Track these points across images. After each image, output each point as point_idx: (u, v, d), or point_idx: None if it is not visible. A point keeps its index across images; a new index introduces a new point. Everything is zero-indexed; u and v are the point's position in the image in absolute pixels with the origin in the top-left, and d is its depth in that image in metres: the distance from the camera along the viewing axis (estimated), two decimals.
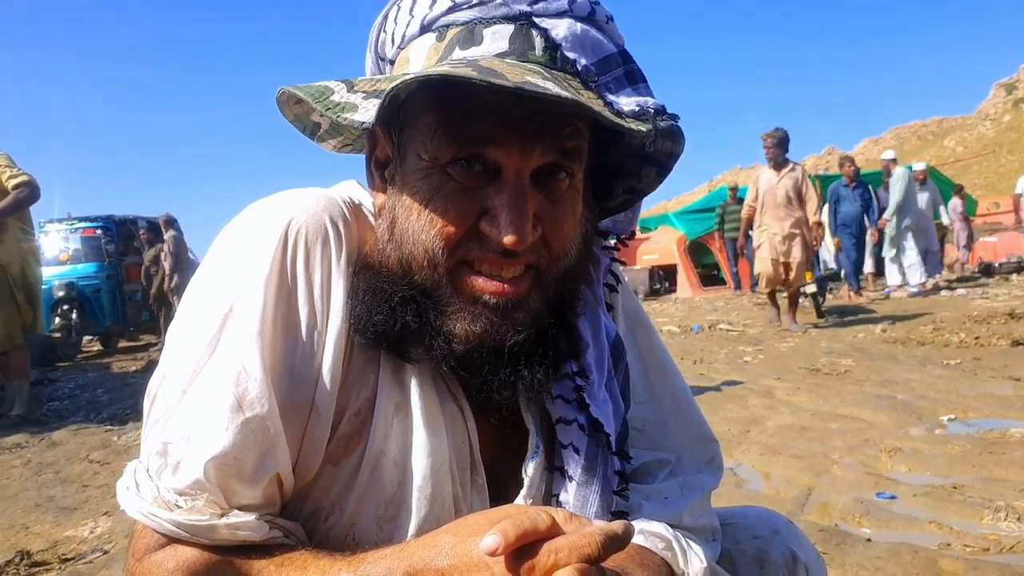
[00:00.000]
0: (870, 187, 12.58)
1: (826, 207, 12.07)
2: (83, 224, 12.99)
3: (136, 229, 13.45)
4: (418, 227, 0.87)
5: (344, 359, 0.89)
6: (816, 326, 8.99)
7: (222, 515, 0.82)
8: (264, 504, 0.86)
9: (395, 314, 0.87)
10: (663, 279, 16.83)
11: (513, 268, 0.87)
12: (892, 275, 12.25)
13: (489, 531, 0.70)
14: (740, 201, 13.99)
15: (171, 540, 0.84)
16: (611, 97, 0.86)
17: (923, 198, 12.81)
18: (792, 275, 8.62)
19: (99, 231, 12.80)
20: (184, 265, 11.24)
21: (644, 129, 0.83)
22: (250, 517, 0.83)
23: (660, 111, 0.88)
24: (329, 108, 0.85)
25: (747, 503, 2.54)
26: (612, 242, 1.11)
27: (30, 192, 5.61)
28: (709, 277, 16.71)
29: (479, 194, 0.85)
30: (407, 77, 0.78)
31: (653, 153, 0.97)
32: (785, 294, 9.02)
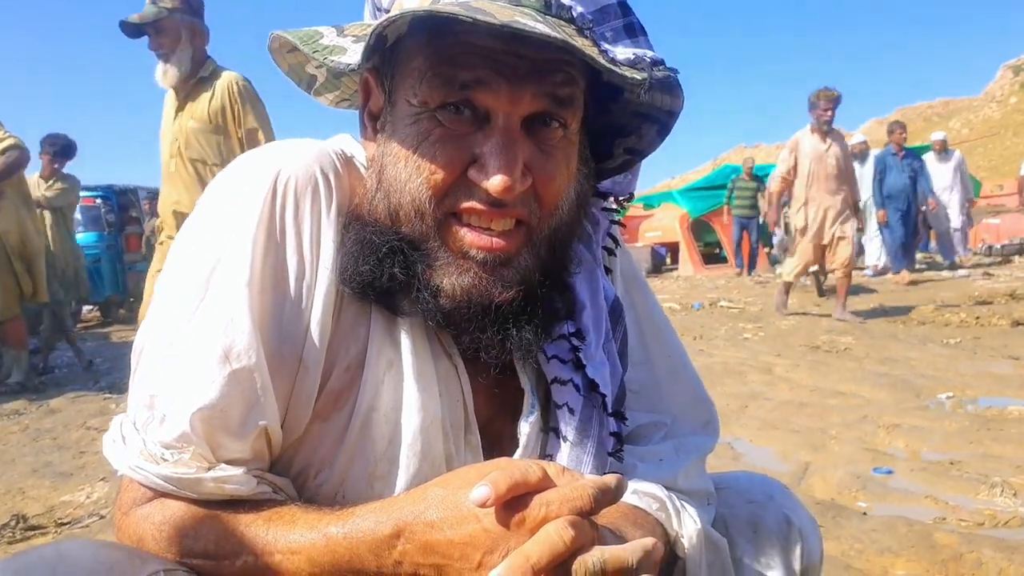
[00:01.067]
0: (922, 157, 11.77)
1: (869, 177, 11.22)
2: (83, 194, 12.93)
3: (137, 199, 13.40)
4: (405, 175, 0.85)
5: (334, 313, 0.87)
6: (817, 305, 8.97)
7: (209, 468, 0.81)
8: (252, 459, 0.85)
9: (382, 265, 0.85)
10: (663, 257, 16.82)
11: (502, 221, 0.85)
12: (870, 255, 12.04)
13: (479, 483, 0.69)
14: (756, 178, 13.83)
15: (158, 494, 0.83)
16: (606, 46, 0.84)
17: (944, 169, 12.34)
18: (841, 255, 7.42)
19: (99, 201, 12.72)
20: None
21: (638, 77, 0.80)
22: (237, 471, 0.82)
23: (657, 62, 0.86)
24: (317, 51, 0.83)
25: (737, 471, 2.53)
26: (611, 204, 1.09)
27: (19, 155, 5.52)
28: (711, 255, 16.69)
29: (468, 141, 0.83)
30: (393, 15, 0.75)
31: (651, 109, 0.95)
32: (839, 273, 7.60)
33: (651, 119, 0.97)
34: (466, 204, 0.84)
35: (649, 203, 18.98)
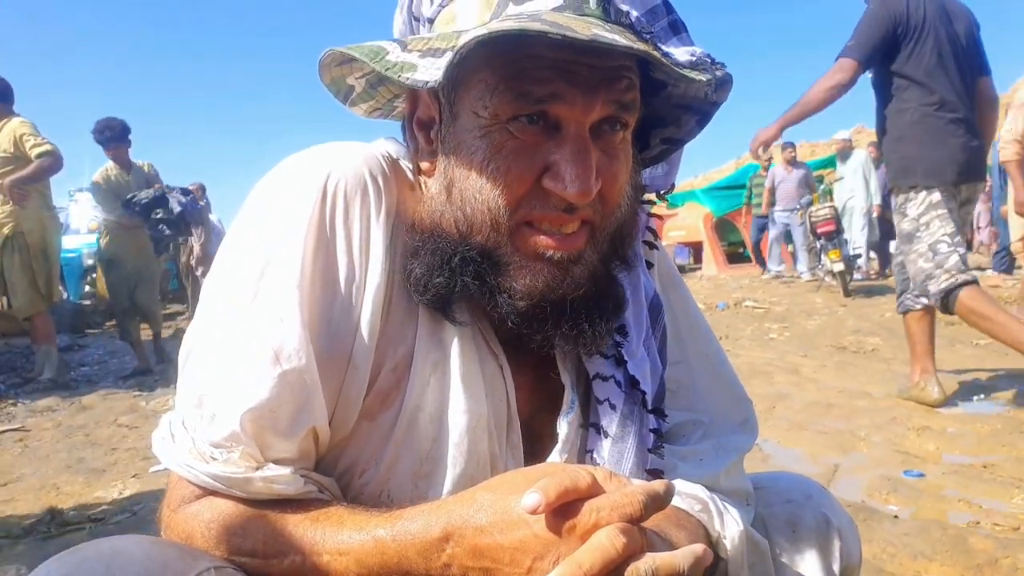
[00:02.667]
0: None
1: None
2: None
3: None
4: (478, 186, 0.85)
5: (382, 314, 0.88)
6: (844, 306, 8.88)
7: (257, 468, 0.83)
8: (299, 458, 0.86)
9: (455, 275, 0.86)
10: (687, 256, 16.69)
11: (572, 224, 0.86)
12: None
13: (529, 489, 0.69)
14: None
15: (206, 492, 0.85)
16: (664, 48, 0.84)
17: (846, 172, 11.40)
18: None
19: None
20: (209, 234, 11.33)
21: (704, 79, 0.82)
22: (285, 471, 0.83)
23: (715, 62, 0.87)
24: (388, 68, 0.82)
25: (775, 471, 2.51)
26: (650, 196, 1.09)
27: (52, 161, 5.66)
28: (735, 255, 16.55)
29: (541, 151, 0.84)
30: (478, 32, 0.74)
31: (694, 101, 0.95)
32: None
33: (692, 109, 0.98)
34: (539, 212, 0.85)
35: (673, 202, 18.86)
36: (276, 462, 0.84)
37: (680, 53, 0.85)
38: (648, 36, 0.83)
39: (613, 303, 0.93)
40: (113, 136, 6.59)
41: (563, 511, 0.70)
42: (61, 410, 5.27)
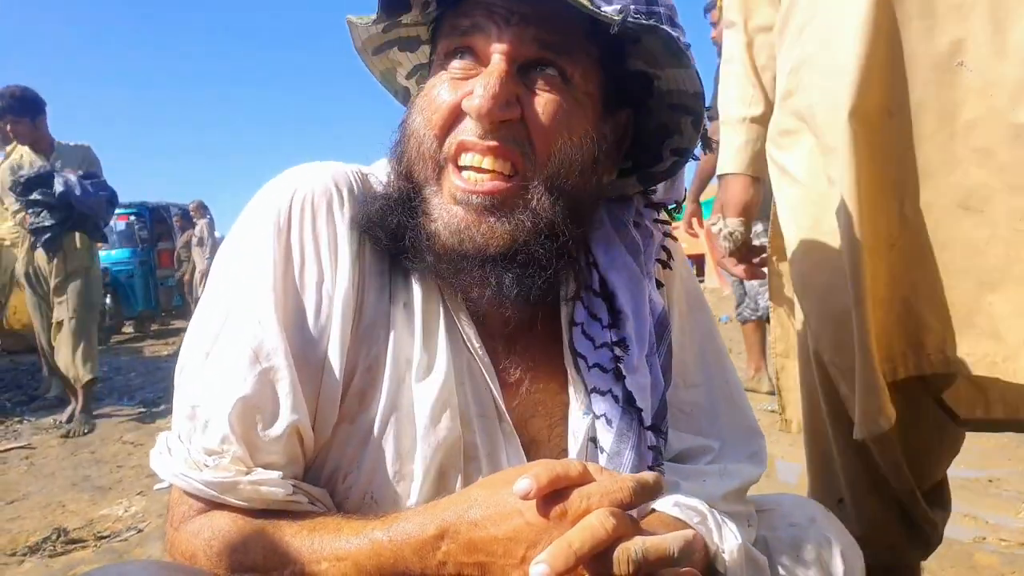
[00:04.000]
0: None
1: None
2: (117, 211, 13.18)
3: (168, 215, 13.63)
4: (414, 122, 0.92)
5: (354, 316, 0.91)
6: None
7: (246, 472, 0.85)
8: (287, 463, 0.88)
9: (392, 210, 0.90)
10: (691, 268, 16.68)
11: (495, 161, 0.88)
12: None
13: (521, 476, 0.71)
14: None
15: (206, 507, 0.86)
16: (600, 3, 0.87)
17: None
18: None
19: (132, 217, 12.96)
20: (213, 252, 11.38)
21: (609, 10, 0.85)
22: (273, 475, 0.85)
23: (655, 15, 0.90)
24: (362, 19, 0.97)
25: (778, 493, 2.52)
26: (663, 215, 1.11)
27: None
28: None
29: (468, 83, 0.89)
30: None
31: (681, 98, 0.98)
32: None
33: (683, 110, 1.00)
34: (461, 139, 0.89)
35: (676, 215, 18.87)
36: (265, 467, 0.86)
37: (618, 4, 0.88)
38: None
39: (543, 265, 0.90)
40: (6, 107, 4.99)
41: (554, 498, 0.71)
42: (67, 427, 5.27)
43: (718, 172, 1.81)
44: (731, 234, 1.77)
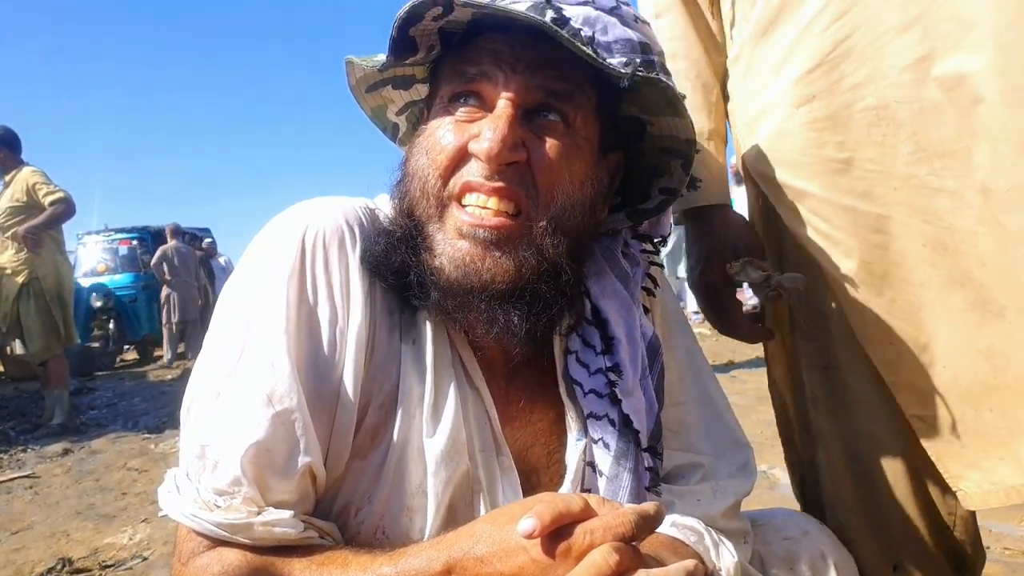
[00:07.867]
0: None
1: None
2: (120, 235, 13.21)
3: None
4: (418, 162, 0.94)
5: (366, 353, 0.92)
6: None
7: (258, 513, 0.85)
8: (299, 500, 0.89)
9: (395, 249, 0.92)
10: None
11: (500, 201, 0.90)
12: None
13: (525, 515, 0.72)
14: None
15: (215, 544, 0.87)
16: (604, 55, 0.89)
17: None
18: None
19: (135, 242, 13.00)
20: (183, 274, 11.41)
21: (615, 62, 0.88)
22: (285, 514, 0.86)
23: (651, 64, 0.93)
24: (367, 61, 0.99)
25: (780, 505, 2.52)
26: (648, 247, 1.13)
27: (65, 208, 5.83)
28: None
29: (473, 126, 0.91)
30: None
31: (672, 143, 1.01)
32: None
33: (674, 153, 1.02)
34: (466, 180, 0.91)
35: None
36: (277, 505, 0.86)
37: (621, 60, 0.91)
38: (591, 45, 0.88)
39: (550, 304, 0.93)
40: None
41: (558, 535, 0.73)
42: (71, 455, 5.28)
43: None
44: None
